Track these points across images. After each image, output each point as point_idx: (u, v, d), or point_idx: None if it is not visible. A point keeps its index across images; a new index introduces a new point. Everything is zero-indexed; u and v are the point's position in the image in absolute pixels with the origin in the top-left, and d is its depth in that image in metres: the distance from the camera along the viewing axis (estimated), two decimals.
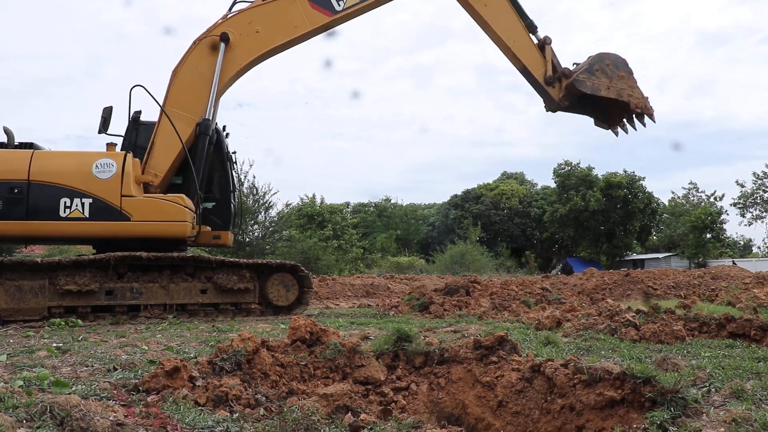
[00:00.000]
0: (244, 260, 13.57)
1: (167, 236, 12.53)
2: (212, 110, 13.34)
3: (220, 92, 13.53)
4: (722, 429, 3.63)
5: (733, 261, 47.01)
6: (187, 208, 12.42)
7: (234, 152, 15.12)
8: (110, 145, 12.72)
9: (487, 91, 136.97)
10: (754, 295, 13.20)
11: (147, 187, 12.86)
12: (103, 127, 12.79)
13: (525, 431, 5.18)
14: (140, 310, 12.16)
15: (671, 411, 3.97)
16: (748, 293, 13.96)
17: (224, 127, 14.77)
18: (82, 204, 11.98)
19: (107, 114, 12.83)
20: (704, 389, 4.62)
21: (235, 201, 14.85)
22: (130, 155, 12.47)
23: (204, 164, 13.55)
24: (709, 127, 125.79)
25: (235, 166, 15.24)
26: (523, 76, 14.64)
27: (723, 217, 61.11)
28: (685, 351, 6.66)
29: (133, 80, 14.42)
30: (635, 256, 62.28)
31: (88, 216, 11.99)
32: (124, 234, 12.27)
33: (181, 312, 12.59)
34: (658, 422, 3.77)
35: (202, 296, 12.80)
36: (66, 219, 11.93)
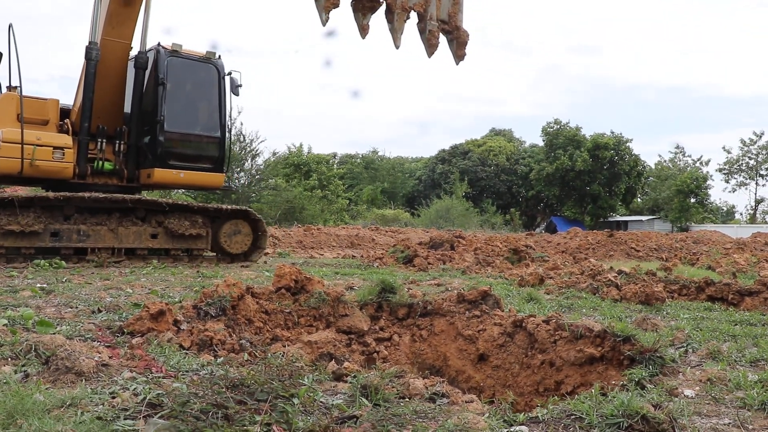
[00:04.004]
0: (197, 204, 13.15)
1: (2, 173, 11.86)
2: (98, 31, 12.17)
3: (120, 12, 12.07)
4: (697, 388, 3.71)
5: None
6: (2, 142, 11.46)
7: (230, 73, 13.67)
8: (9, 88, 12.16)
9: (479, 46, 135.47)
10: (733, 261, 13.39)
11: (61, 126, 12.52)
12: None
13: (505, 385, 5.27)
14: (87, 253, 11.75)
15: (649, 369, 4.05)
16: (729, 258, 14.16)
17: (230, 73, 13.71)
18: None
19: None
20: (682, 349, 4.71)
21: (202, 134, 13.59)
22: (2, 95, 11.95)
23: (142, 94, 12.98)
24: (699, 92, 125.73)
25: (227, 93, 13.70)
26: None
27: (708, 182, 61.55)
28: (664, 312, 6.77)
29: None
30: (619, 218, 62.73)
31: None
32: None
33: (131, 257, 12.21)
34: (636, 380, 3.85)
35: (152, 241, 12.41)
36: None
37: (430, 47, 4.59)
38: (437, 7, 4.58)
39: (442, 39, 4.73)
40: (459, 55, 4.75)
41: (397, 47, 4.40)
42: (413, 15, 4.55)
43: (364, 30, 4.27)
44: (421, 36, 4.56)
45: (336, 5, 4.05)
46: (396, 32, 4.38)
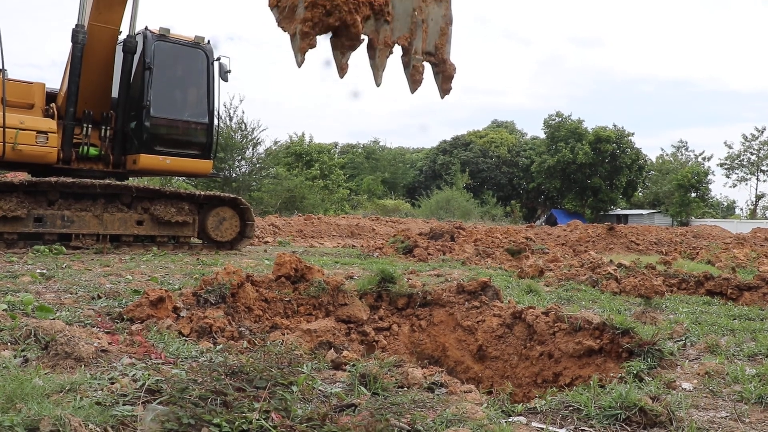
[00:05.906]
0: (184, 191, 13.01)
1: None
2: (85, 14, 11.94)
3: None
4: (695, 381, 3.72)
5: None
6: None
7: (218, 59, 13.37)
8: None
9: (481, 38, 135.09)
10: (733, 256, 13.39)
11: (47, 111, 12.33)
12: None
13: (503, 376, 5.28)
14: (71, 239, 11.61)
15: (647, 362, 4.06)
16: (728, 253, 14.15)
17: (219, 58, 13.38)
18: None
19: None
20: (680, 343, 4.72)
21: (193, 120, 13.44)
22: None
23: (124, 79, 12.72)
24: (702, 86, 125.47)
25: (215, 81, 13.54)
26: None
27: (709, 177, 61.54)
28: (663, 306, 6.77)
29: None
30: (619, 211, 62.77)
31: None
32: None
33: (116, 243, 12.07)
34: (635, 372, 3.86)
35: (137, 228, 12.26)
36: None
37: (414, 83, 4.16)
38: (423, 39, 4.13)
39: (428, 71, 4.52)
40: (444, 89, 4.38)
41: (378, 85, 3.93)
42: (397, 48, 4.35)
43: (342, 69, 3.78)
44: (404, 70, 4.13)
45: (313, 46, 3.60)
46: (377, 69, 3.95)
